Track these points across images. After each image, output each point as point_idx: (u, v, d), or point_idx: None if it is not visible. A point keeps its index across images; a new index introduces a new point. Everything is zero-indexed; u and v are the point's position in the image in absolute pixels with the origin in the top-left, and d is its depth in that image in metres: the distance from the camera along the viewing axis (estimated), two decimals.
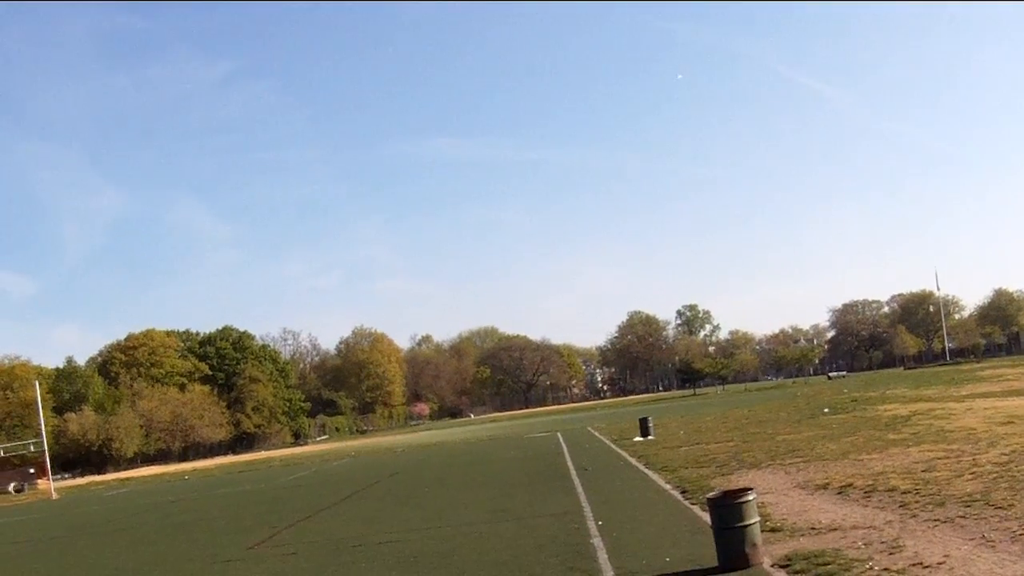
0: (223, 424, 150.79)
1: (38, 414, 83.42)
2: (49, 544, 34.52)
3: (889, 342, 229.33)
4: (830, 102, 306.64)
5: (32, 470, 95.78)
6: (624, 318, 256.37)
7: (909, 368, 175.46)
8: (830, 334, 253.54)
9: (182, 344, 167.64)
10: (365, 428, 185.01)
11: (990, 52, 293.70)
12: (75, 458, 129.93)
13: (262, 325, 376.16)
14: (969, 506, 17.40)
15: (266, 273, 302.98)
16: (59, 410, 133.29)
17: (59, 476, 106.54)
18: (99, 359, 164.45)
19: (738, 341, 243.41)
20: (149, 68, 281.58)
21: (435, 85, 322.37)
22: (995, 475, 20.67)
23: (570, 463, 39.88)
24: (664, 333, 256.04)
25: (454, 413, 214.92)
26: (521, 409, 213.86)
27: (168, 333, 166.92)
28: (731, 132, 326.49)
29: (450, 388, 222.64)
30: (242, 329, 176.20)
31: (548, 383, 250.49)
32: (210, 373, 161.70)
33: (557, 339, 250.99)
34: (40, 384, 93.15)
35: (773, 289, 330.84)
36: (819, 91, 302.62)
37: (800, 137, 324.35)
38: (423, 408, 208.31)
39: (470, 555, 19.02)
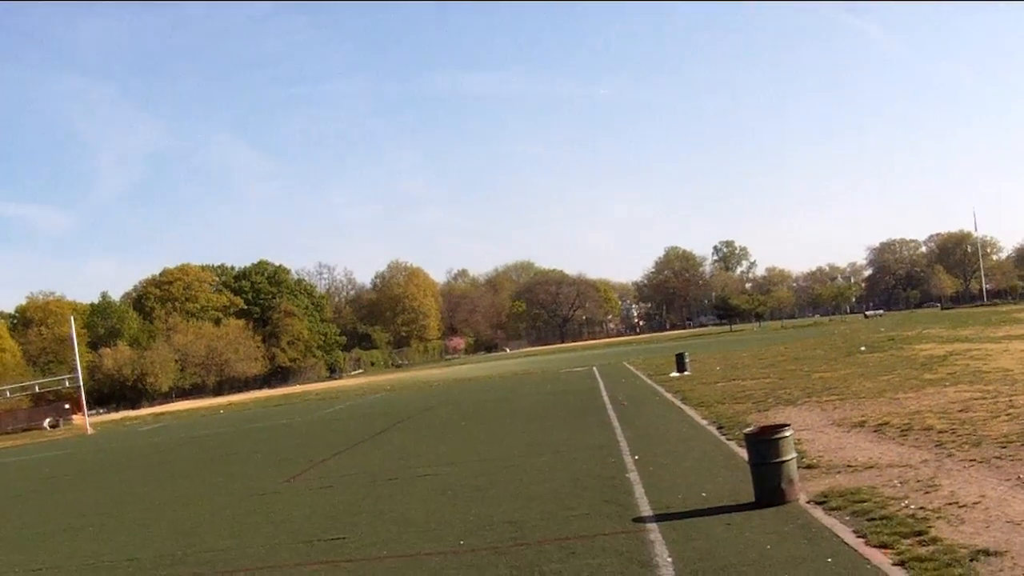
0: (258, 358, 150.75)
1: (73, 349, 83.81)
2: (85, 478, 34.93)
3: (926, 282, 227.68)
4: (871, 40, 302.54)
5: (67, 405, 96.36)
6: (661, 253, 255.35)
7: (946, 308, 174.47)
8: (867, 272, 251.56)
9: (217, 278, 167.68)
10: (400, 362, 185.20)
11: None
12: (110, 393, 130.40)
13: (298, 259, 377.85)
14: (1005, 447, 17.38)
15: (302, 207, 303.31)
16: (94, 345, 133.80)
17: (94, 411, 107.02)
18: (134, 294, 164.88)
19: (775, 278, 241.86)
20: (186, 4, 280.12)
21: (475, 18, 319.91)
22: None
23: (606, 398, 40.00)
24: (701, 269, 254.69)
25: (490, 347, 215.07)
26: (557, 344, 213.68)
27: (203, 267, 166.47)
28: (772, 67, 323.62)
29: (486, 322, 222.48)
30: (277, 263, 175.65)
31: (584, 318, 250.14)
32: (245, 307, 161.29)
33: (593, 274, 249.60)
34: (75, 319, 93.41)
35: (811, 226, 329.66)
36: (859, 28, 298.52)
37: (839, 75, 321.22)
38: (459, 342, 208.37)
39: (506, 488, 19.21)
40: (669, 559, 12.06)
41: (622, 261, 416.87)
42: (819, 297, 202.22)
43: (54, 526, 22.49)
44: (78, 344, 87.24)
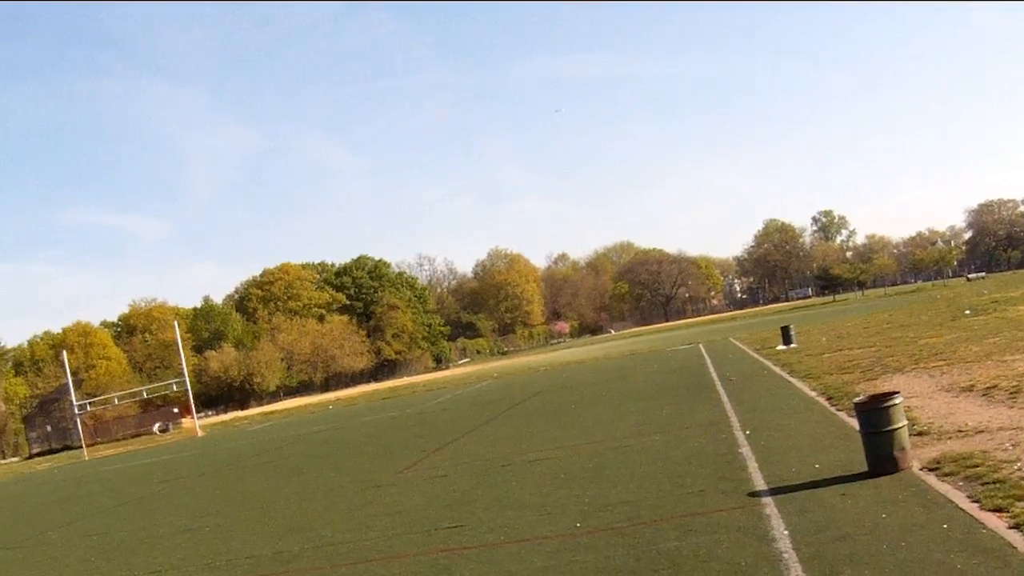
0: (364, 352, 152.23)
1: (179, 353, 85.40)
2: (199, 480, 35.61)
3: None
4: (968, 10, 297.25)
5: (175, 409, 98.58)
6: (760, 227, 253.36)
7: None
8: (967, 235, 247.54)
9: (318, 276, 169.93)
10: (506, 349, 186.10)
11: None
12: (217, 395, 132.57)
13: (397, 252, 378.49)
14: None
15: (398, 200, 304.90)
16: (199, 349, 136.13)
17: (202, 414, 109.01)
18: (236, 296, 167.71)
19: (875, 245, 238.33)
20: (267, 4, 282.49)
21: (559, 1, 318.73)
22: None
23: (714, 374, 39.93)
24: (801, 240, 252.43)
25: (594, 330, 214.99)
26: (661, 323, 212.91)
27: (303, 266, 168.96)
28: (868, 37, 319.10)
29: (589, 305, 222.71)
30: (377, 257, 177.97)
31: (687, 296, 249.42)
32: (348, 303, 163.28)
33: (693, 251, 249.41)
34: (179, 324, 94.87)
35: (908, 192, 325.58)
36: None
37: (935, 44, 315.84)
38: (563, 326, 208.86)
39: (619, 469, 19.31)
40: (786, 532, 12.20)
41: (721, 236, 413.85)
42: (920, 262, 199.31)
43: (171, 528, 23.08)
44: (183, 348, 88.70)
